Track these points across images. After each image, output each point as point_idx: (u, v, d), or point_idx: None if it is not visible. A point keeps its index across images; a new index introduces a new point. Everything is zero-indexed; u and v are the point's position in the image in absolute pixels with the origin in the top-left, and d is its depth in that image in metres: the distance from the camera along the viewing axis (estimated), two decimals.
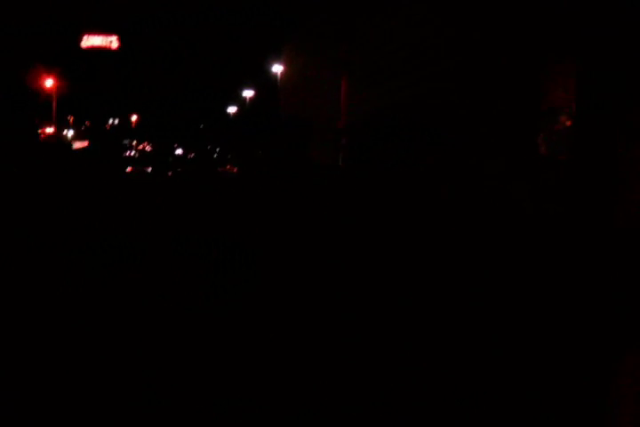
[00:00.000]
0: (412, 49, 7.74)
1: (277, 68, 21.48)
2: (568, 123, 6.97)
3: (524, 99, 6.95)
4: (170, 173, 35.39)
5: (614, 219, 7.08)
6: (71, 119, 52.29)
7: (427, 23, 7.40)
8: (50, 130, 42.26)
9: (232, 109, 52.47)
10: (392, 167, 8.15)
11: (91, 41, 37.93)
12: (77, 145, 42.41)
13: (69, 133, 51.05)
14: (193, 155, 47.35)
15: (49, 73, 39.93)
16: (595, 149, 7.07)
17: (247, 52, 29.69)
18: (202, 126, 53.10)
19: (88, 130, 52.38)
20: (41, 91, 40.10)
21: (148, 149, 54.64)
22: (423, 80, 7.56)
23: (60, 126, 47.39)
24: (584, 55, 6.74)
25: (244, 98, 48.24)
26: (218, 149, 48.17)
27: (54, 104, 41.13)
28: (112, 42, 38.41)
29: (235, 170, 35.75)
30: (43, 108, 40.75)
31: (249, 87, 47.02)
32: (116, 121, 57.76)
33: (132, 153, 50.19)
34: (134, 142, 56.71)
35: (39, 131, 39.72)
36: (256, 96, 45.40)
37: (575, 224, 7.15)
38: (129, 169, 35.77)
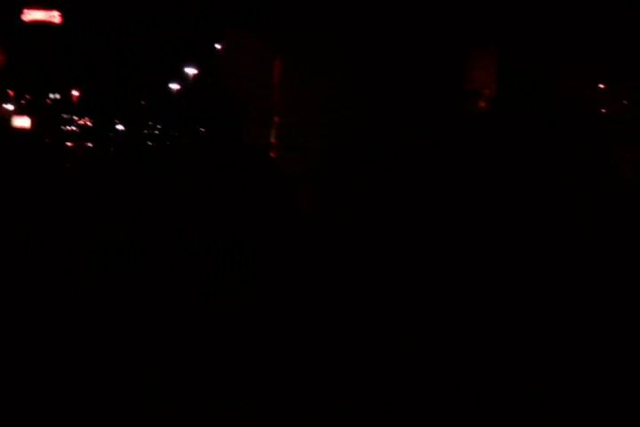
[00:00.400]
0: (341, 34, 7.90)
1: (219, 46, 21.36)
2: (486, 104, 7.22)
3: (448, 81, 7.14)
4: (111, 149, 35.15)
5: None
6: (12, 93, 51.55)
7: (350, 8, 7.58)
8: None
9: (175, 86, 52.17)
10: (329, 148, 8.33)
11: (32, 15, 37.33)
12: (18, 120, 41.89)
13: (10, 108, 50.37)
14: (134, 131, 47.01)
15: None
16: (512, 130, 7.32)
17: (191, 29, 29.49)
18: (144, 103, 52.72)
19: (28, 104, 51.72)
20: None
21: (89, 124, 54.16)
22: (352, 64, 7.72)
23: (1, 101, 46.75)
24: (504, 38, 6.96)
25: (188, 75, 48.03)
26: (160, 126, 47.86)
27: None
28: (54, 16, 37.81)
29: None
30: None
31: (192, 64, 46.77)
32: (57, 96, 57.11)
33: (73, 128, 49.76)
34: (75, 117, 56.19)
35: None
36: (199, 73, 45.25)
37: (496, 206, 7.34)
38: (69, 144, 35.49)
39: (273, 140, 11.13)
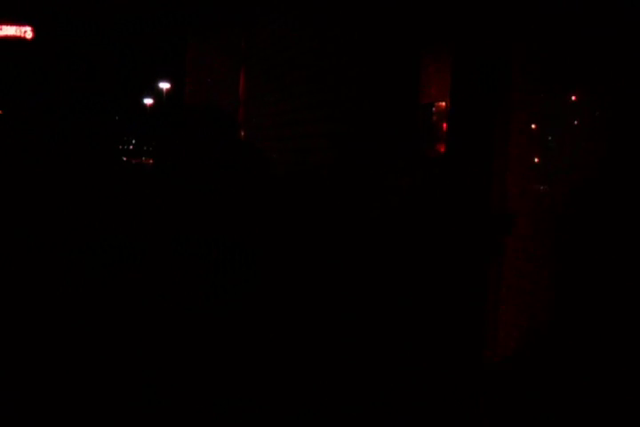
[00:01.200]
0: (296, 48, 7.96)
1: (187, 60, 21.37)
2: (441, 117, 7.28)
3: (403, 94, 7.17)
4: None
5: (488, 207, 7.36)
6: None
7: (307, 24, 7.64)
8: None
9: (148, 101, 52.21)
10: (288, 161, 8.38)
11: (4, 31, 37.24)
12: None
13: None
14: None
15: None
16: (467, 143, 7.36)
17: (164, 43, 29.51)
18: (117, 118, 52.66)
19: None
20: None
21: None
22: (309, 79, 7.77)
23: None
24: (458, 50, 7.01)
25: (161, 89, 48.11)
26: (134, 141, 47.84)
27: None
28: (26, 32, 37.74)
29: (150, 162, 35.65)
30: None
31: (165, 79, 46.87)
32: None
33: None
34: None
35: None
36: (172, 88, 45.30)
37: (453, 219, 7.37)
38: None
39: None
